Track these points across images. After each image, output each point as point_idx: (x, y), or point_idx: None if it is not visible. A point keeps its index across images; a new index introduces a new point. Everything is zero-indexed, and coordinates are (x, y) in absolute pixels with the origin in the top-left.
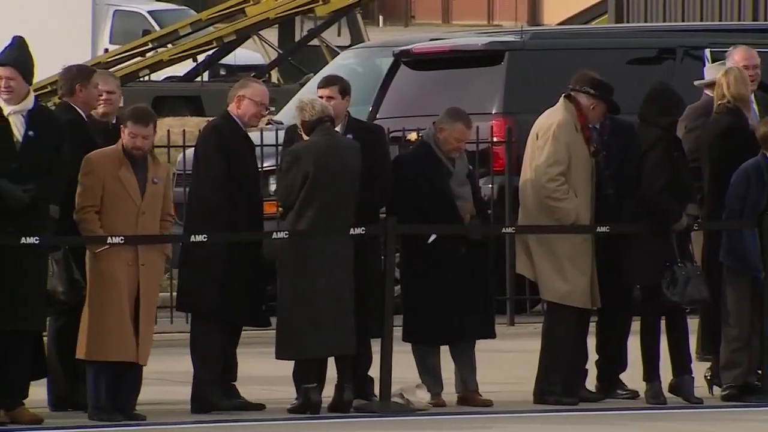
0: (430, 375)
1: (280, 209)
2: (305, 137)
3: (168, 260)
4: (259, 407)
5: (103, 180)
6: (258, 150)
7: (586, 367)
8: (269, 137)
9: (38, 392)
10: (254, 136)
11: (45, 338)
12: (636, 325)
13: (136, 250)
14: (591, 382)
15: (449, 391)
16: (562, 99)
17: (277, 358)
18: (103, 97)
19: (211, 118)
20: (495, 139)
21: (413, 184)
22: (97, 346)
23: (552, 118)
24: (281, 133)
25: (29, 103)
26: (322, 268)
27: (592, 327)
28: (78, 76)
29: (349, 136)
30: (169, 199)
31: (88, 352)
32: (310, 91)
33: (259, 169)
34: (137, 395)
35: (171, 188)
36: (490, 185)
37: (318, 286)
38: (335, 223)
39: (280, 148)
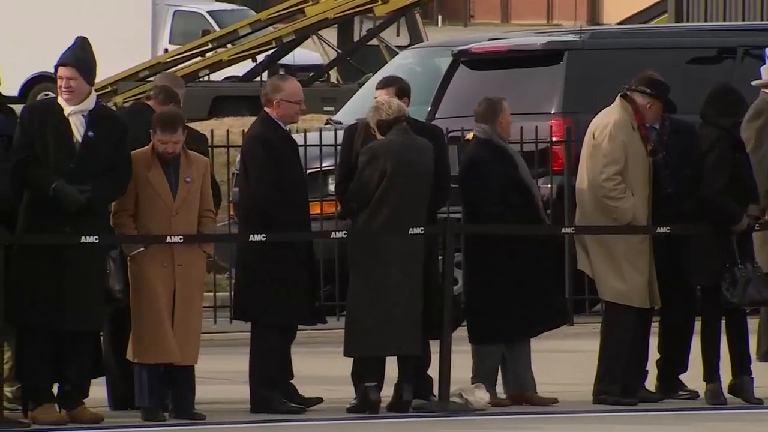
0: (489, 375)
1: (341, 208)
2: (379, 136)
3: (209, 257)
4: (318, 401)
5: (135, 183)
6: (317, 150)
7: (646, 367)
8: (328, 137)
9: (99, 391)
10: (313, 136)
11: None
12: (697, 326)
13: (171, 251)
14: (651, 383)
15: (500, 391)
16: (618, 98)
17: (346, 355)
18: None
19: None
20: (554, 139)
21: (498, 181)
22: (139, 348)
23: (608, 118)
24: (340, 133)
25: (90, 103)
26: (393, 267)
27: (655, 327)
28: (177, 97)
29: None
30: (207, 195)
31: (133, 354)
32: (369, 91)
33: (318, 169)
34: (193, 394)
35: (209, 184)
36: (549, 185)
37: (389, 285)
38: (409, 221)
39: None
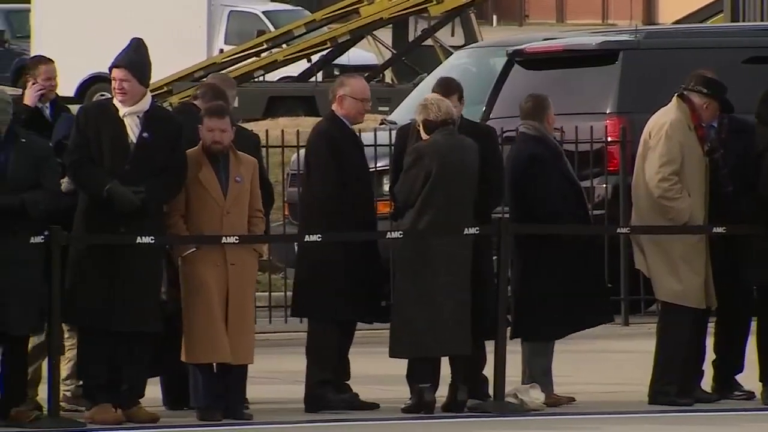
0: (543, 374)
1: (392, 209)
2: (425, 136)
3: (260, 256)
4: (373, 406)
5: (186, 183)
6: (371, 150)
7: (703, 367)
8: (383, 137)
9: (155, 391)
10: (368, 136)
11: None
12: (753, 326)
13: (223, 251)
14: (707, 383)
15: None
16: (674, 98)
17: (392, 356)
18: None
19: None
20: (609, 139)
21: (553, 176)
22: (192, 349)
23: (664, 118)
24: (394, 133)
25: (145, 104)
26: (441, 267)
27: (711, 327)
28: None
29: (468, 137)
30: (256, 195)
31: (186, 355)
32: (423, 92)
33: (373, 169)
34: (243, 394)
35: (257, 184)
36: (605, 185)
37: (436, 285)
38: (454, 221)
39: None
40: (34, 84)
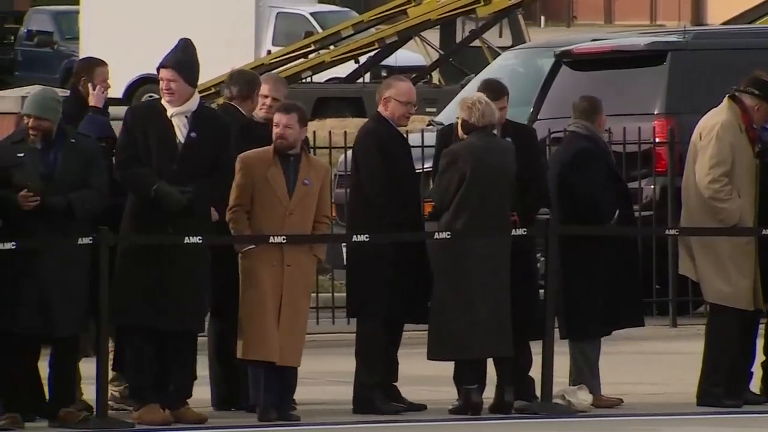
0: (591, 375)
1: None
2: (462, 135)
3: (319, 262)
4: (421, 408)
5: (253, 180)
6: (418, 151)
7: (751, 369)
8: (430, 138)
9: (202, 392)
10: (415, 137)
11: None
12: None
13: (281, 251)
14: (756, 385)
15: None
16: (726, 99)
17: (430, 358)
18: (268, 102)
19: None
20: (657, 140)
21: (602, 174)
22: (246, 345)
23: (715, 119)
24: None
25: (193, 104)
26: (480, 269)
27: (760, 329)
28: (257, 82)
29: (508, 138)
30: (324, 200)
31: (241, 351)
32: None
33: (421, 170)
34: (291, 395)
35: (327, 190)
36: (653, 186)
37: (475, 287)
38: (491, 224)
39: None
40: (94, 87)
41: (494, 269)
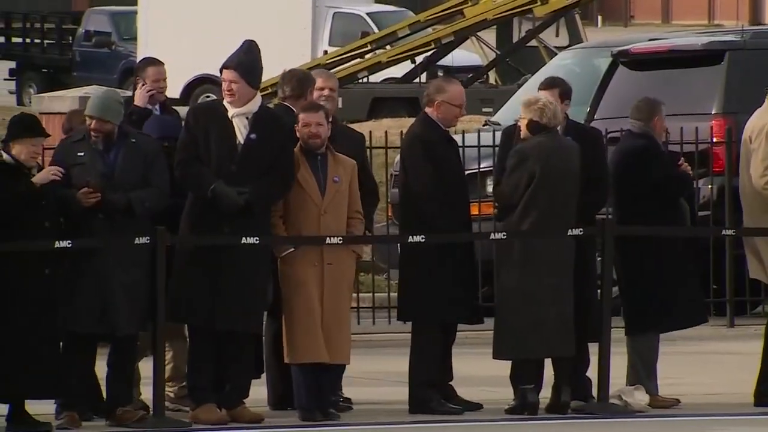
0: (648, 376)
1: (496, 210)
2: (526, 134)
3: (359, 258)
4: (476, 407)
5: None
6: (475, 151)
7: None
8: (486, 138)
9: (259, 392)
10: (471, 137)
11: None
12: None
13: (321, 251)
14: None
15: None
16: (767, 99)
17: (495, 357)
18: (326, 94)
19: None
20: (714, 140)
21: (658, 173)
22: (292, 349)
23: (763, 119)
24: (498, 134)
25: (254, 106)
26: (545, 269)
27: None
28: (311, 82)
29: (568, 138)
30: (355, 196)
31: (287, 355)
32: (527, 92)
33: (476, 170)
34: (335, 393)
35: (356, 185)
36: (710, 186)
37: (540, 287)
38: (558, 223)
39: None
40: (143, 86)
41: (560, 269)
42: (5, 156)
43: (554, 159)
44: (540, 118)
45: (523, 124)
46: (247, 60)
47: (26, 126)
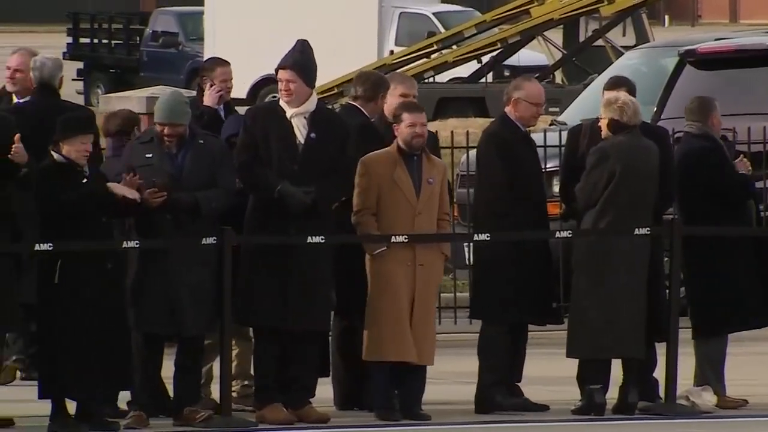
0: (715, 376)
1: (563, 209)
2: (607, 133)
3: (446, 260)
4: (543, 408)
5: (378, 182)
6: (541, 151)
7: None
8: (552, 138)
9: (325, 391)
10: (538, 137)
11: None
12: None
13: (413, 251)
14: None
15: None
16: None
17: (569, 356)
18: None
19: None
20: None
21: (719, 174)
22: (377, 347)
23: None
24: (564, 134)
25: (311, 105)
26: (621, 268)
27: None
28: (385, 85)
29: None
30: (445, 198)
31: (368, 353)
32: (593, 92)
33: (543, 170)
34: (422, 395)
35: (446, 187)
36: None
37: (616, 286)
38: (635, 223)
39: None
40: (212, 86)
41: (635, 268)
42: (56, 156)
43: (634, 158)
44: (620, 117)
45: (603, 124)
46: (302, 59)
47: (74, 124)
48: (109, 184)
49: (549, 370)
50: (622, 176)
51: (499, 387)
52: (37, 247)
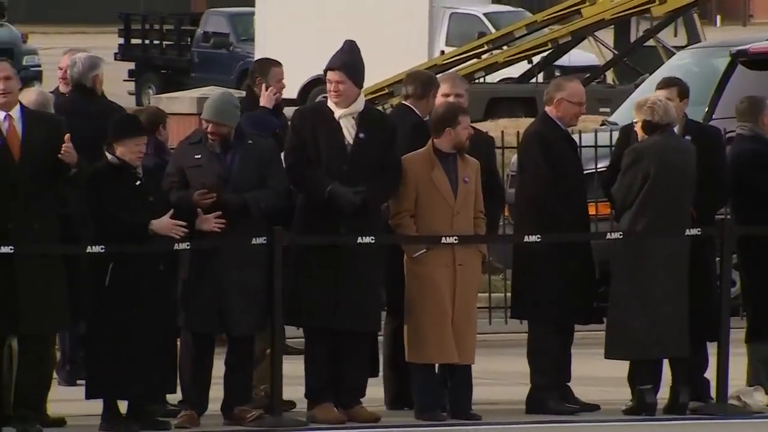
0: (766, 375)
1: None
2: (642, 135)
3: (485, 259)
4: (594, 408)
5: (416, 183)
6: (592, 151)
7: None
8: (603, 138)
9: (375, 391)
10: (588, 137)
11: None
12: None
13: (453, 252)
14: None
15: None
16: None
17: (607, 357)
18: (450, 100)
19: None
20: None
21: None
22: (419, 349)
23: None
24: (615, 134)
25: (359, 105)
26: (659, 269)
27: None
28: (435, 85)
29: (687, 137)
30: (479, 196)
31: (411, 355)
32: (645, 92)
33: (594, 170)
34: (470, 394)
35: (480, 186)
36: None
37: (655, 287)
38: (672, 223)
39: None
40: (267, 87)
41: (674, 269)
42: (110, 157)
43: (669, 158)
44: (652, 117)
45: (638, 127)
46: (351, 60)
47: (128, 127)
48: (153, 224)
49: (600, 370)
50: (657, 177)
51: (551, 392)
52: (89, 250)
